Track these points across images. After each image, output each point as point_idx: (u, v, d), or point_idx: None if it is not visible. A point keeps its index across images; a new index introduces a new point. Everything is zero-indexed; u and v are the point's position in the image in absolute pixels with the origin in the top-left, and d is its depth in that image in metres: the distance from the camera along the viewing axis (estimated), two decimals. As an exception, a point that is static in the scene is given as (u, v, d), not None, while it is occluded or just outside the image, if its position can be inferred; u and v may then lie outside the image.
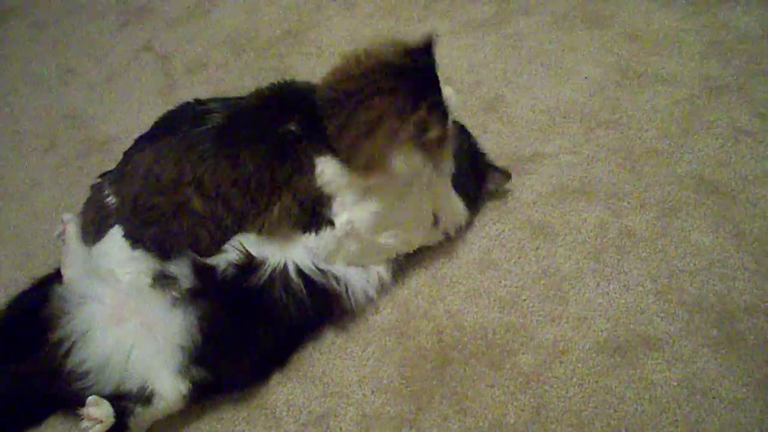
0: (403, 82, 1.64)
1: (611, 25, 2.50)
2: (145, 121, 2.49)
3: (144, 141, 1.88)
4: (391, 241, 1.84)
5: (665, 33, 2.43)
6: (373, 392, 1.77)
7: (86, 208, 1.93)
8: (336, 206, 1.74)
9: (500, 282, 1.90)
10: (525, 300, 1.86)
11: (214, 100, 1.89)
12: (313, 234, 1.77)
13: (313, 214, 1.75)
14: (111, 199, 1.83)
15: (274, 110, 1.78)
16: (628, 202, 1.99)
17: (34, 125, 2.67)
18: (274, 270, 1.76)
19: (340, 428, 1.72)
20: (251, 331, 1.76)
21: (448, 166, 1.83)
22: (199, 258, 1.76)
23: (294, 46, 2.73)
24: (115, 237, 1.80)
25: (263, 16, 2.89)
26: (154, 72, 2.74)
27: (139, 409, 1.67)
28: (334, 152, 1.69)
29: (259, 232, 1.76)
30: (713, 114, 2.16)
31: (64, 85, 2.80)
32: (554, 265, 1.91)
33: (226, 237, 1.78)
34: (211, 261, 1.76)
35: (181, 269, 1.76)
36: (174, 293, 1.75)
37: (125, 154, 1.90)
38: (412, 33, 2.52)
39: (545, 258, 1.93)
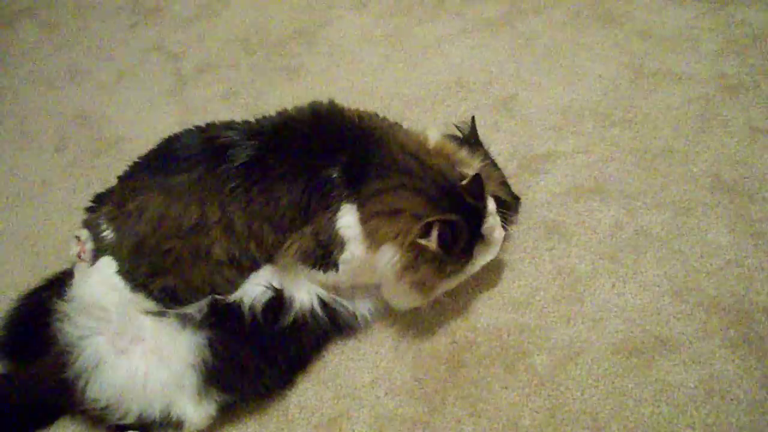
0: (440, 200, 1.64)
1: (624, 22, 2.48)
2: (155, 121, 2.51)
3: (145, 174, 1.78)
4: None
5: (679, 31, 2.41)
6: (386, 394, 1.75)
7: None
8: (347, 253, 1.69)
9: (514, 282, 1.88)
10: (539, 300, 1.84)
11: (228, 127, 1.77)
12: (321, 272, 1.73)
13: (325, 255, 1.70)
14: (107, 234, 1.76)
15: (315, 151, 1.70)
16: (644, 202, 1.97)
17: (44, 125, 2.66)
18: (302, 308, 1.76)
19: (353, 430, 1.71)
20: (269, 353, 1.75)
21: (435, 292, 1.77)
22: (219, 297, 1.74)
23: (305, 45, 2.72)
24: (105, 271, 1.74)
25: (274, 15, 2.88)
26: (165, 72, 2.74)
27: None
28: (359, 206, 1.67)
29: (283, 265, 1.75)
30: (729, 112, 2.14)
31: (75, 85, 2.79)
32: (569, 265, 1.89)
33: (241, 279, 1.75)
34: (232, 297, 1.74)
35: (195, 309, 1.74)
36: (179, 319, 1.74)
37: (121, 181, 1.83)
38: (424, 33, 2.52)
39: (560, 258, 1.91)
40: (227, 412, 1.77)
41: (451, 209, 1.63)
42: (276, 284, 1.75)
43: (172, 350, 1.69)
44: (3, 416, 1.78)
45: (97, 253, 1.79)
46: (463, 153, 1.78)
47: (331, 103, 1.81)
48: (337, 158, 1.68)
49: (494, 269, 1.90)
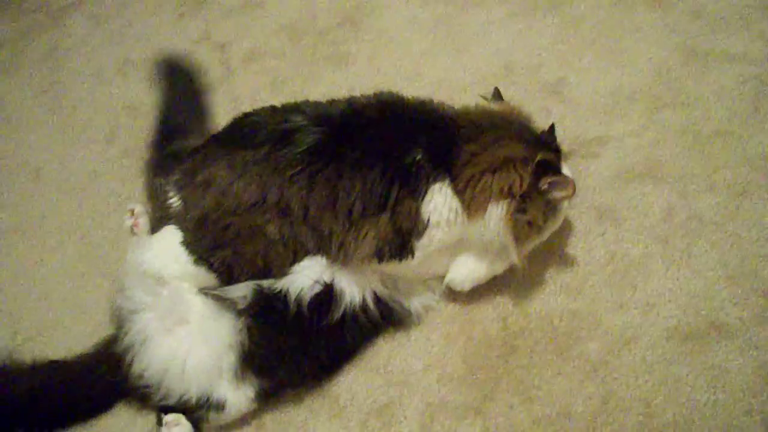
0: (536, 142, 1.70)
1: (674, 3, 2.42)
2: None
3: (215, 146, 1.83)
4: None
5: (731, 9, 2.34)
6: (437, 381, 1.76)
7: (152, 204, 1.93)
8: (425, 238, 1.69)
9: (566, 268, 1.87)
10: (591, 286, 1.82)
11: (296, 110, 1.77)
12: (396, 260, 1.71)
13: (403, 243, 1.69)
14: (174, 202, 1.80)
15: (392, 136, 1.70)
16: (697, 185, 1.94)
17: (94, 117, 2.69)
18: (352, 303, 1.75)
19: (405, 417, 1.71)
20: (309, 346, 1.77)
21: (526, 249, 1.80)
22: (264, 286, 1.74)
23: (352, 33, 2.71)
24: (170, 240, 1.77)
25: (320, 3, 2.86)
26: (212, 62, 2.74)
27: (213, 415, 1.72)
28: (450, 180, 1.67)
29: (337, 257, 1.72)
30: (784, 92, 2.09)
31: (124, 77, 2.82)
32: (621, 250, 1.87)
33: (295, 260, 1.75)
34: (279, 285, 1.74)
35: (241, 294, 1.74)
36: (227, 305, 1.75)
37: (195, 152, 1.86)
38: (471, 18, 2.50)
39: (612, 243, 1.89)
40: (274, 400, 1.79)
41: (543, 149, 1.67)
42: (327, 278, 1.73)
43: (213, 332, 1.72)
44: (62, 401, 1.82)
45: (161, 220, 1.83)
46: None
47: (392, 92, 1.82)
48: (417, 140, 1.68)
49: (546, 254, 1.90)
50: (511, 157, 1.64)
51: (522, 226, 1.68)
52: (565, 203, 1.74)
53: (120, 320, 1.79)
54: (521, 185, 1.63)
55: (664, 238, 1.86)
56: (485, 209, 1.65)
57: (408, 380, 1.77)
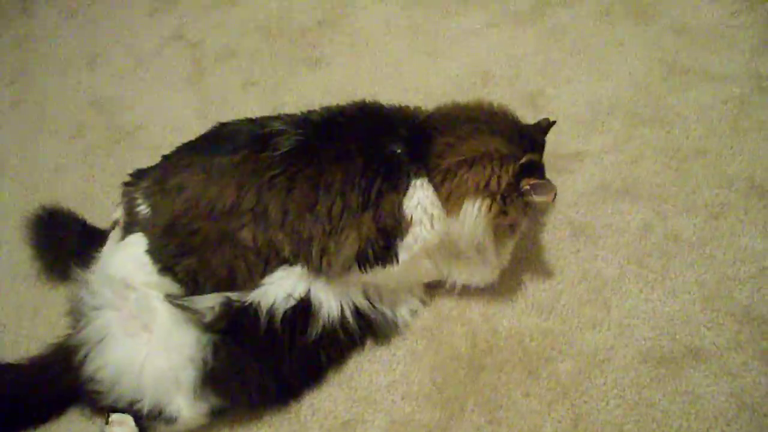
0: (519, 139, 1.65)
1: (657, 18, 2.40)
2: (173, 109, 2.47)
3: (189, 153, 1.80)
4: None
5: (714, 28, 2.33)
6: (402, 398, 1.71)
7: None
8: (409, 236, 1.64)
9: (538, 285, 1.83)
10: (564, 305, 1.79)
11: (275, 118, 1.78)
12: (379, 267, 1.66)
13: (386, 245, 1.64)
14: (143, 209, 1.76)
15: (372, 132, 1.69)
16: (674, 204, 1.91)
17: (61, 111, 2.64)
18: (330, 317, 1.70)
19: (368, 435, 1.66)
20: (278, 368, 1.70)
21: (508, 250, 1.78)
22: (234, 298, 1.68)
23: (327, 35, 2.66)
24: (136, 248, 1.73)
25: (296, 4, 2.82)
26: (183, 60, 2.69)
27: (162, 427, 1.66)
28: (429, 176, 1.63)
29: (319, 264, 1.66)
30: (764, 113, 2.06)
31: (93, 72, 2.76)
32: (595, 268, 1.84)
33: (266, 270, 1.70)
34: (249, 298, 1.68)
35: (209, 306, 1.68)
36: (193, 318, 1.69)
37: (165, 159, 1.84)
38: (450, 25, 2.47)
39: (586, 261, 1.86)
40: (231, 414, 1.73)
41: (528, 148, 1.64)
42: (302, 290, 1.69)
43: (176, 344, 1.66)
44: (10, 404, 1.76)
45: (129, 228, 1.78)
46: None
47: (375, 101, 1.81)
48: (397, 133, 1.66)
49: (517, 271, 1.85)
50: (488, 152, 1.60)
51: (502, 227, 1.66)
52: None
53: (80, 313, 1.73)
54: (499, 184, 1.58)
55: (640, 258, 1.83)
56: (461, 205, 1.60)
57: (372, 397, 1.72)
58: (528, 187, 1.60)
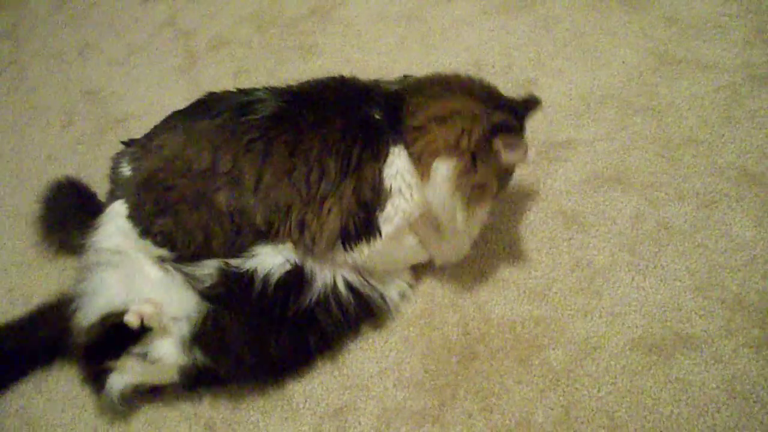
0: (493, 102, 1.64)
1: (650, 8, 2.40)
2: (164, 99, 2.47)
3: (177, 117, 1.82)
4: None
5: (707, 17, 2.33)
6: (394, 385, 1.70)
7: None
8: (389, 207, 1.62)
9: (530, 273, 1.83)
10: (556, 293, 1.78)
11: (259, 89, 1.78)
12: (364, 243, 1.66)
13: (367, 217, 1.63)
14: (125, 170, 1.77)
15: (350, 97, 1.70)
16: (666, 193, 1.91)
17: (52, 100, 2.63)
18: (325, 287, 1.69)
19: (359, 422, 1.66)
20: (264, 343, 1.69)
21: (479, 219, 1.77)
22: (232, 264, 1.67)
23: (319, 24, 2.66)
24: (117, 214, 1.74)
25: (288, -7, 2.82)
26: (175, 49, 2.69)
27: (138, 366, 1.67)
28: (407, 145, 1.62)
29: (301, 240, 1.65)
30: (756, 103, 2.06)
31: (84, 61, 2.76)
32: (587, 256, 1.83)
33: (240, 240, 1.68)
34: (247, 266, 1.66)
35: (206, 273, 1.68)
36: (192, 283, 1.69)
37: (156, 127, 1.85)
38: (441, 14, 2.46)
39: (578, 249, 1.85)
40: (225, 400, 1.74)
41: (504, 112, 1.62)
42: (298, 259, 1.68)
43: (172, 300, 1.66)
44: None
45: (113, 192, 1.80)
46: None
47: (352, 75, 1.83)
48: (375, 100, 1.67)
49: (509, 259, 1.85)
50: (458, 110, 1.59)
51: (473, 188, 1.61)
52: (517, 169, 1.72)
53: (83, 273, 1.76)
54: (469, 140, 1.56)
55: (631, 246, 1.82)
56: (431, 165, 1.59)
57: (365, 383, 1.72)
58: (500, 145, 1.57)
